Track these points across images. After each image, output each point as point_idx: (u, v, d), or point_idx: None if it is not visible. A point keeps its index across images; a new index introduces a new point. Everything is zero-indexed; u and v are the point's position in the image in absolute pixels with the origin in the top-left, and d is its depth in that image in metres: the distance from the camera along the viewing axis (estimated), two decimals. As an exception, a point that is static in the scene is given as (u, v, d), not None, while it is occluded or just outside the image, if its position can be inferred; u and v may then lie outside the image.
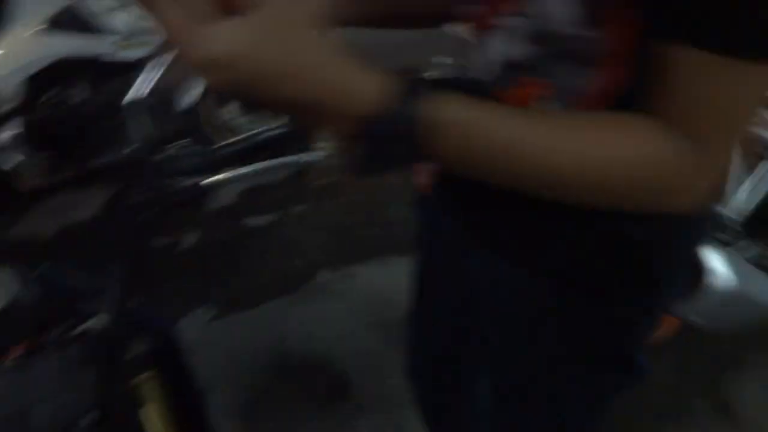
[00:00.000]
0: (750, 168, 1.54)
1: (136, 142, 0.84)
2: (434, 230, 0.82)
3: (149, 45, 2.22)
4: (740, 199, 1.50)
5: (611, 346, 0.68)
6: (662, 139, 0.46)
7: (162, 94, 1.95)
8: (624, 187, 0.49)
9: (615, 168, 0.48)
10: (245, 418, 1.62)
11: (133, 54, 2.22)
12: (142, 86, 1.91)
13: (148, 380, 0.82)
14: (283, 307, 1.96)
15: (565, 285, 0.63)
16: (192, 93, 2.15)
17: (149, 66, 2.11)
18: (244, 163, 1.35)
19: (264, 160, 1.36)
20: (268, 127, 1.62)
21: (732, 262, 1.39)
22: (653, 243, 0.60)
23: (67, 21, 2.08)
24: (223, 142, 1.67)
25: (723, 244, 1.42)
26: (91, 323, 0.81)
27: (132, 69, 2.15)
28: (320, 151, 1.38)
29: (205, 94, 2.19)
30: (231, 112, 2.33)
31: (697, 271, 1.29)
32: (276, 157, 1.40)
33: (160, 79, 1.96)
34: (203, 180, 1.01)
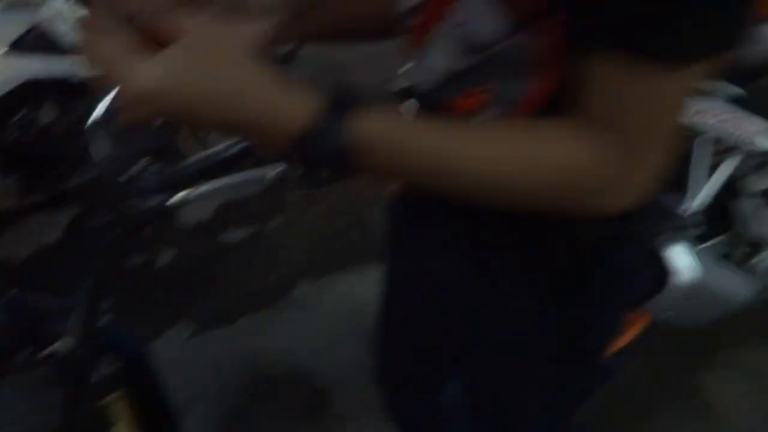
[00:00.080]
0: (715, 166, 1.58)
1: (100, 163, 0.83)
2: (399, 235, 0.83)
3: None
4: (704, 195, 1.53)
5: (571, 347, 0.69)
6: (585, 143, 0.48)
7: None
8: (549, 190, 0.50)
9: (538, 172, 0.49)
10: (227, 434, 1.62)
11: (100, 73, 2.20)
12: (105, 106, 1.90)
13: (116, 400, 0.82)
14: (262, 320, 1.95)
15: (521, 286, 0.65)
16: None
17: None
18: (215, 178, 1.34)
19: (237, 172, 1.36)
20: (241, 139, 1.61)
21: (696, 256, 1.42)
22: (603, 243, 0.61)
23: (32, 42, 2.06)
24: (194, 157, 1.67)
25: (687, 240, 1.45)
26: (58, 345, 0.81)
27: (100, 88, 2.13)
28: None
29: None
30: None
31: (661, 268, 1.31)
32: (249, 169, 1.39)
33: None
34: (169, 197, 1.01)
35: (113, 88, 0.45)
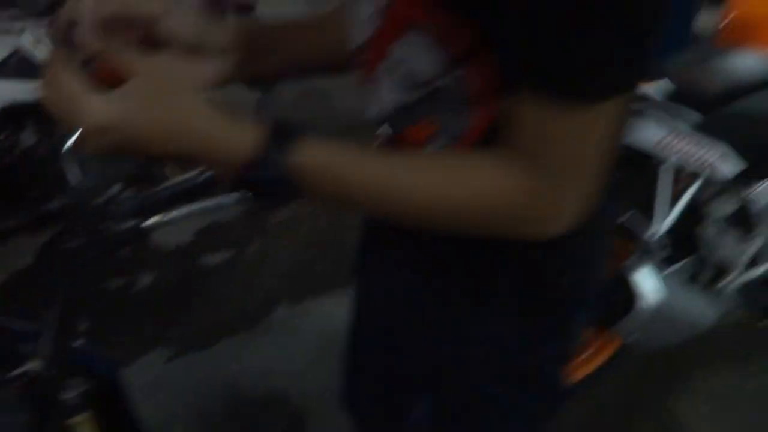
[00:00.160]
0: (680, 192, 1.62)
1: (75, 187, 0.84)
2: (362, 257, 0.86)
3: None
4: (669, 220, 1.57)
5: (525, 365, 0.72)
6: (514, 173, 0.52)
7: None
8: (477, 217, 0.54)
9: (465, 200, 0.53)
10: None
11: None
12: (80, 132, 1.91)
13: (83, 422, 0.83)
14: (239, 344, 1.95)
15: (474, 304, 0.67)
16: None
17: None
18: (190, 202, 1.37)
19: (212, 197, 1.39)
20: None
21: (662, 280, 1.46)
22: (547, 264, 0.64)
23: (14, 67, 2.08)
24: (170, 182, 1.69)
25: (653, 264, 1.49)
26: (27, 366, 0.82)
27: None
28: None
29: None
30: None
31: (627, 291, 1.35)
32: (223, 194, 1.42)
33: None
34: (143, 221, 1.04)
35: (70, 123, 0.50)
